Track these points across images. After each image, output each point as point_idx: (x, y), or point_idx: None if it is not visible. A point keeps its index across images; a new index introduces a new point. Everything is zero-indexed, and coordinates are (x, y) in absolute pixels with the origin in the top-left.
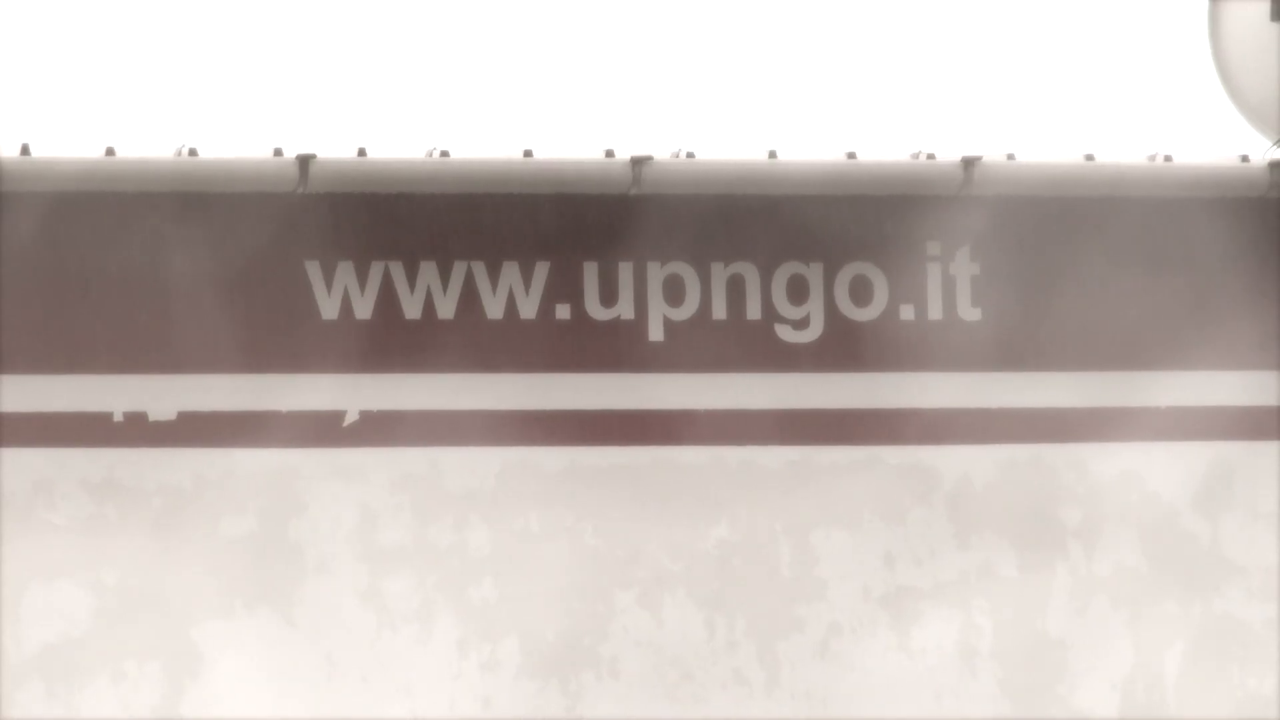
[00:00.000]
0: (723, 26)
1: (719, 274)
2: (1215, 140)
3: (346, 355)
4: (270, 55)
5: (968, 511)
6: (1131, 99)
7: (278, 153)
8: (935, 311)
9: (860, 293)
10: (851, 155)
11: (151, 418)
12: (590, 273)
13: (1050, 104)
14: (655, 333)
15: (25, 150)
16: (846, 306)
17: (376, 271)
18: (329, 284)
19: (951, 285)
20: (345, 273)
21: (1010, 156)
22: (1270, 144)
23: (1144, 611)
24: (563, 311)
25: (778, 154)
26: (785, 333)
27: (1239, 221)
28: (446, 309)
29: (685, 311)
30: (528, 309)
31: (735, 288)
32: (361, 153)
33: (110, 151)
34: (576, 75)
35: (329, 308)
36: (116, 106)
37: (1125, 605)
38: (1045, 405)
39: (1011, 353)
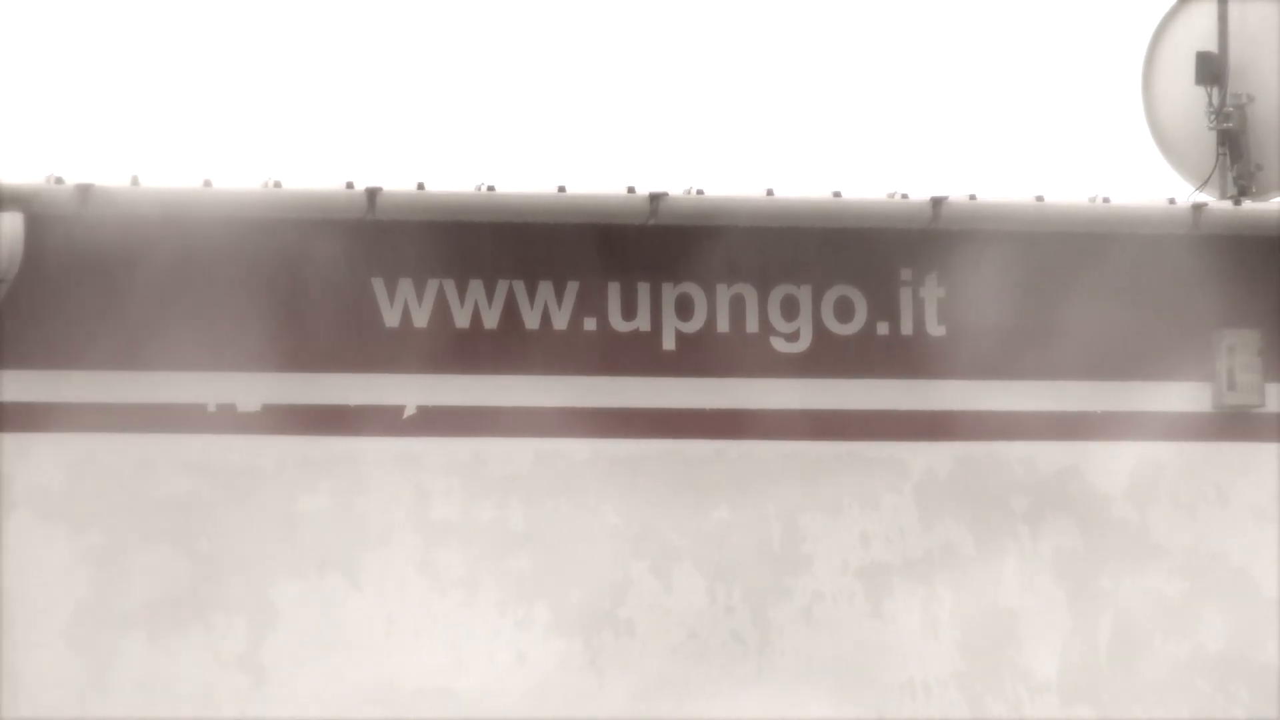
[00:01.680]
0: (730, 83)
1: (723, 293)
2: (1148, 184)
3: (406, 358)
4: (343, 98)
5: (932, 499)
6: (1077, 147)
7: (349, 185)
8: (907, 328)
9: (843, 311)
10: (837, 194)
11: (239, 409)
12: (613, 291)
13: (1008, 150)
14: (668, 343)
15: (135, 181)
16: (831, 323)
17: (432, 287)
18: (391, 297)
19: (921, 305)
20: (405, 288)
21: (972, 197)
22: (1193, 189)
23: (1081, 586)
24: (589, 324)
25: (774, 192)
26: (779, 344)
27: (1168, 254)
28: (491, 320)
29: (694, 325)
30: (560, 321)
31: (737, 305)
32: (421, 186)
33: (207, 183)
34: (604, 122)
35: (391, 317)
36: (213, 142)
37: (1065, 580)
38: (999, 409)
39: (971, 364)
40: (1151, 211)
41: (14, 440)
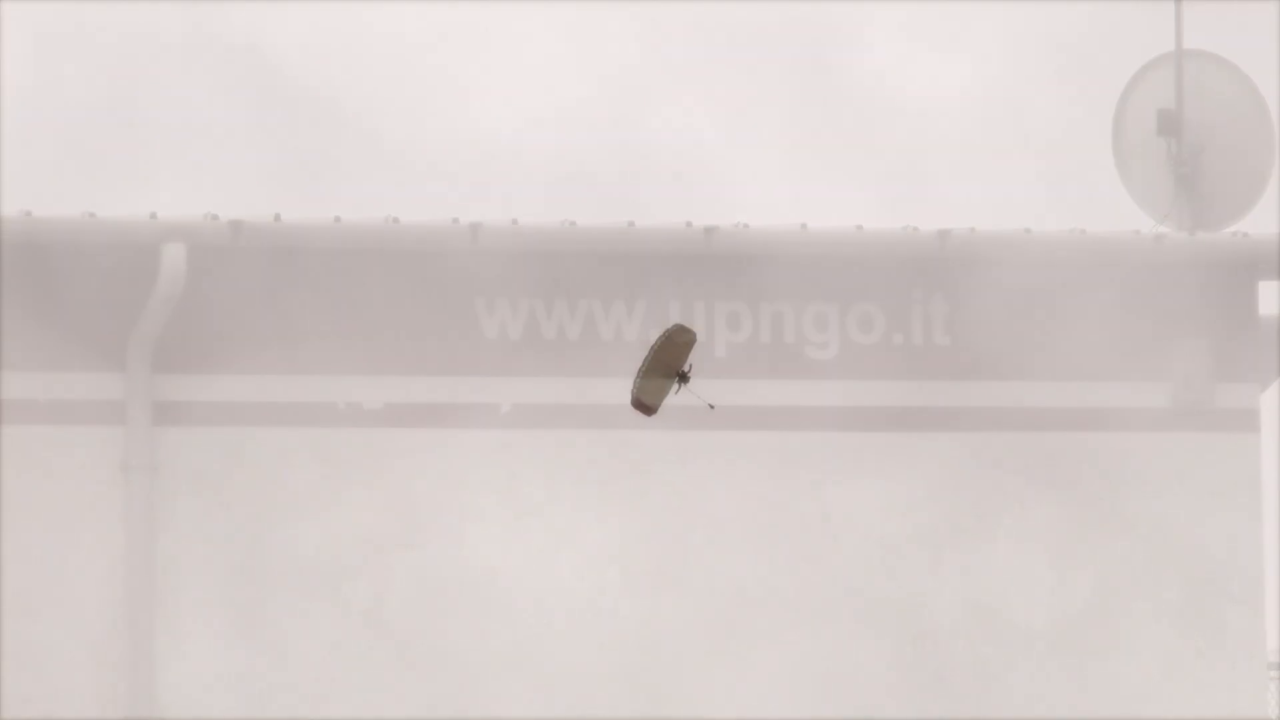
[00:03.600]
0: (773, 133)
1: (765, 310)
2: (1117, 217)
3: (502, 364)
4: (449, 147)
5: (940, 478)
6: (1060, 185)
7: (455, 221)
8: (918, 338)
9: (866, 324)
10: (859, 227)
11: (365, 406)
12: (674, 308)
13: (1003, 190)
14: (720, 351)
15: (277, 217)
16: (855, 334)
17: (524, 306)
18: (491, 314)
19: (930, 320)
20: (502, 306)
21: (972, 230)
22: (1155, 222)
23: (1064, 550)
24: (655, 335)
25: (807, 226)
26: (812, 352)
27: (1134, 276)
28: (574, 332)
29: (741, 336)
30: (630, 333)
31: (777, 320)
32: (515, 222)
33: (337, 219)
34: (666, 166)
35: (490, 330)
36: (337, 184)
37: (1052, 546)
38: (995, 405)
39: (972, 368)
40: (1120, 241)
41: (176, 433)
